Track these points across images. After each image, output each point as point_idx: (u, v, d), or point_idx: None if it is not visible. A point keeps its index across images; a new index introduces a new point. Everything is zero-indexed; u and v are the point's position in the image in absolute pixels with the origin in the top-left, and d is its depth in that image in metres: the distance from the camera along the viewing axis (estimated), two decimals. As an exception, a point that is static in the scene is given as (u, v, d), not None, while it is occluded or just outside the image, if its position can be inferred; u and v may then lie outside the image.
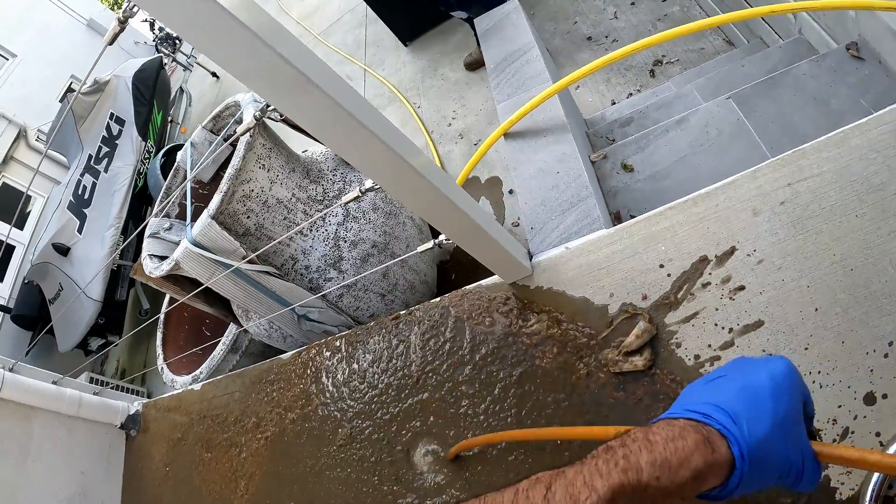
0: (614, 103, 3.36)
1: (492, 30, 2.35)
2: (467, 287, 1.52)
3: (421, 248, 1.40)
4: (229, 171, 1.93)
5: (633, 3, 3.85)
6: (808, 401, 0.73)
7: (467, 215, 1.09)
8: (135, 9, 0.78)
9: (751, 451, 0.64)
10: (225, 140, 2.38)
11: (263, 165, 2.04)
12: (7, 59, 9.17)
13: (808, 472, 0.67)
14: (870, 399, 1.00)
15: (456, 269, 3.19)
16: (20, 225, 7.10)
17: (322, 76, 0.78)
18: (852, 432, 1.00)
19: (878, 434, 0.98)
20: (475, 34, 4.15)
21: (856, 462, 0.66)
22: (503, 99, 2.04)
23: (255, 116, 1.74)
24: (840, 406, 1.01)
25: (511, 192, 3.43)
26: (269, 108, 1.82)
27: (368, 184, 1.23)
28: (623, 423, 1.20)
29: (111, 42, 0.93)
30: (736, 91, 1.94)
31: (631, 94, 3.36)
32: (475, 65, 4.42)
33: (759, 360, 0.75)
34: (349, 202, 1.37)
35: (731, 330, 1.13)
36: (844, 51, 1.92)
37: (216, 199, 1.91)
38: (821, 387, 1.03)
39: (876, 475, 0.92)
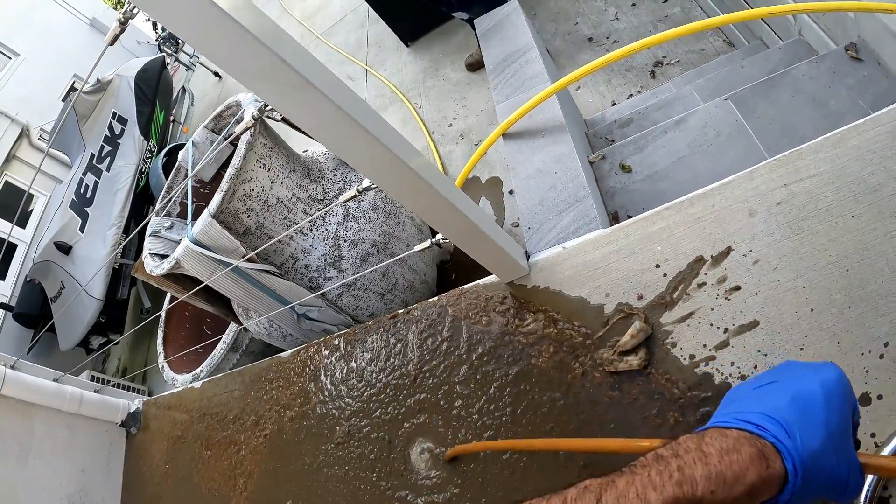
0: (615, 104, 3.37)
1: (492, 30, 2.36)
2: (465, 286, 1.53)
3: (418, 247, 1.41)
4: (230, 170, 1.93)
5: (634, 5, 3.85)
6: (855, 408, 0.72)
7: (464, 215, 1.09)
8: (135, 10, 0.79)
9: (804, 465, 0.62)
10: (226, 139, 2.38)
11: (264, 165, 2.04)
12: (10, 58, 9.18)
13: (852, 484, 0.66)
14: (865, 400, 1.00)
15: (456, 268, 3.20)
16: (22, 223, 7.11)
17: (321, 78, 0.79)
18: (847, 433, 1.00)
19: (873, 435, 0.98)
20: (476, 35, 4.16)
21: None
22: (502, 99, 2.05)
23: (253, 115, 1.75)
24: (835, 406, 1.01)
25: (511, 192, 3.44)
26: (269, 108, 1.82)
27: (366, 183, 1.24)
28: (618, 422, 1.20)
29: (112, 43, 0.94)
30: (734, 92, 1.94)
31: (631, 95, 3.36)
32: (476, 65, 4.43)
33: (810, 365, 0.73)
34: (347, 201, 1.38)
35: (726, 330, 1.14)
36: (843, 52, 1.93)
37: (217, 197, 1.92)
38: (816, 387, 1.03)
39: (871, 475, 0.93)
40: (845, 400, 0.68)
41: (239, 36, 0.69)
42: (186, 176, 2.44)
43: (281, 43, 0.73)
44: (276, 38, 0.73)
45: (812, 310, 1.07)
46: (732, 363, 1.11)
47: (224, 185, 1.92)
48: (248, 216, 2.03)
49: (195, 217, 2.00)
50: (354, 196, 1.28)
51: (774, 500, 0.63)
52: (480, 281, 1.50)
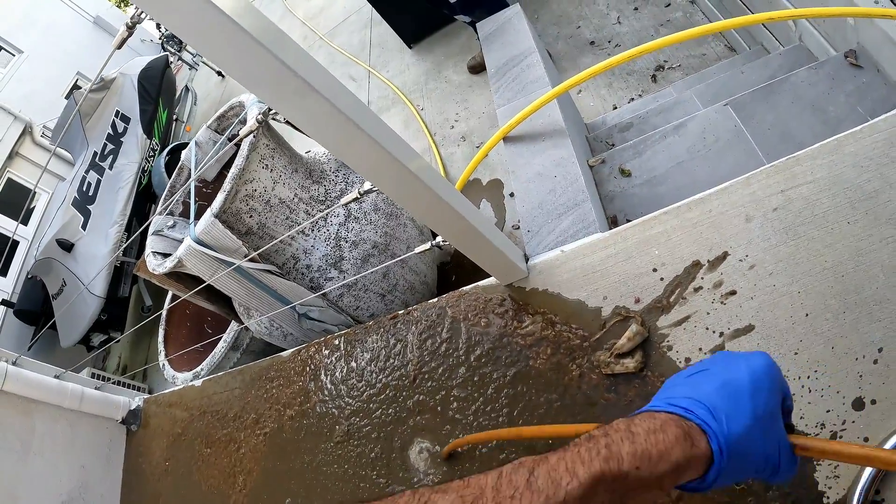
0: (616, 108, 3.38)
1: (494, 34, 2.37)
2: (464, 288, 1.54)
3: (418, 249, 1.42)
4: (233, 170, 1.95)
5: (636, 9, 3.86)
6: (787, 395, 0.76)
7: (463, 218, 1.11)
8: (143, 15, 0.80)
9: (729, 445, 0.66)
10: (229, 140, 2.40)
11: (267, 165, 2.06)
12: (13, 56, 9.21)
13: (784, 465, 0.70)
14: (858, 404, 1.01)
15: (456, 270, 3.21)
16: (24, 221, 7.13)
17: (321, 81, 0.80)
18: (840, 437, 1.01)
19: (866, 439, 0.99)
20: (478, 38, 4.17)
21: (828, 453, 0.69)
22: (503, 103, 2.06)
23: (257, 120, 1.76)
24: (829, 411, 1.02)
25: (512, 194, 3.44)
26: (272, 111, 1.84)
27: (367, 186, 1.25)
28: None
29: (119, 46, 0.95)
30: (734, 98, 1.95)
31: (633, 98, 3.37)
32: (478, 68, 4.44)
33: (741, 354, 0.77)
34: (348, 203, 1.39)
35: (721, 334, 1.15)
36: (843, 58, 1.94)
37: (220, 197, 1.93)
38: (810, 391, 1.04)
39: (863, 480, 0.94)
40: (773, 386, 0.72)
41: (240, 39, 0.70)
42: (189, 175, 2.45)
43: (282, 46, 0.74)
44: (278, 42, 0.74)
45: (807, 315, 1.08)
46: (727, 367, 1.13)
47: (227, 185, 1.94)
48: (251, 216, 2.04)
49: (198, 216, 2.02)
50: (356, 199, 1.30)
51: (702, 479, 0.67)
52: (480, 283, 1.52)
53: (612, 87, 3.54)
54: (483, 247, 1.23)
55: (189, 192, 2.30)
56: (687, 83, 2.93)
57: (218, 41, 0.71)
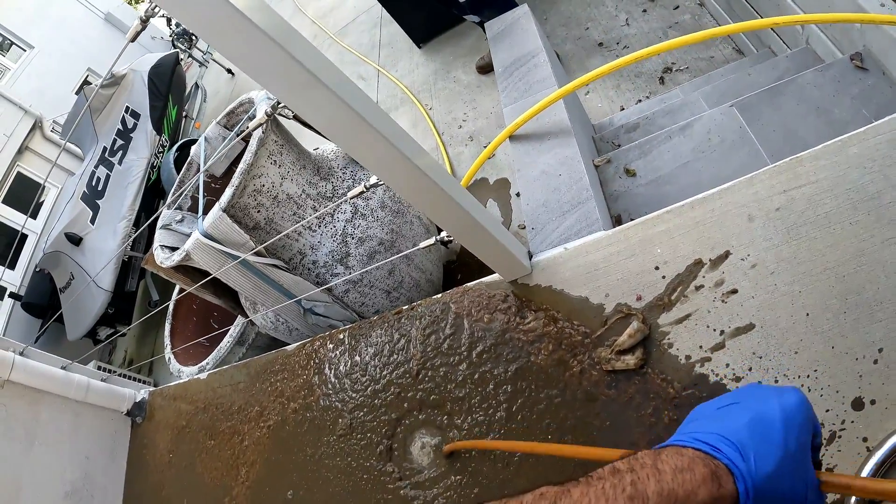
0: (623, 109, 3.38)
1: (501, 34, 2.38)
2: (468, 284, 1.55)
3: (423, 244, 1.43)
4: (241, 165, 1.96)
5: (644, 11, 3.86)
6: (817, 432, 0.74)
7: (468, 214, 1.12)
8: (157, 9, 0.81)
9: (756, 487, 0.65)
10: (238, 135, 2.41)
11: (275, 161, 2.07)
12: (24, 51, 9.26)
13: (811, 501, 0.68)
14: (858, 404, 1.01)
15: (462, 269, 3.22)
16: (34, 214, 7.16)
17: (332, 77, 0.82)
18: (839, 437, 1.01)
19: (864, 439, 1.00)
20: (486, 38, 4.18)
21: (857, 490, 0.67)
22: (510, 102, 2.07)
23: (266, 112, 1.77)
24: (828, 410, 1.03)
25: (518, 194, 3.45)
26: (281, 105, 1.85)
27: (373, 180, 1.26)
28: (613, 420, 1.23)
29: (133, 39, 0.97)
30: (739, 99, 1.96)
31: (640, 100, 3.37)
32: (487, 68, 4.45)
33: (772, 389, 0.76)
34: (356, 197, 1.41)
35: (722, 332, 1.16)
36: (848, 61, 1.94)
37: (228, 192, 1.95)
38: (809, 391, 1.05)
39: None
40: (805, 425, 0.70)
41: (252, 34, 0.72)
42: (198, 171, 2.47)
43: (291, 41, 0.76)
44: (289, 37, 0.75)
45: (808, 314, 1.09)
46: (727, 364, 1.13)
47: (235, 179, 1.95)
48: (258, 211, 2.06)
49: (206, 211, 2.03)
50: (362, 192, 1.31)
51: None
52: (483, 279, 1.53)
53: (620, 89, 3.54)
54: (487, 243, 1.24)
55: (198, 187, 2.32)
56: (694, 85, 2.94)
57: (229, 35, 0.72)
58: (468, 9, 3.76)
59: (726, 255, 1.19)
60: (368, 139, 0.90)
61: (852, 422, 1.01)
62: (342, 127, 0.88)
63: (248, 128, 2.26)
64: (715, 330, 1.17)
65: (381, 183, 1.13)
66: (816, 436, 0.74)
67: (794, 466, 0.67)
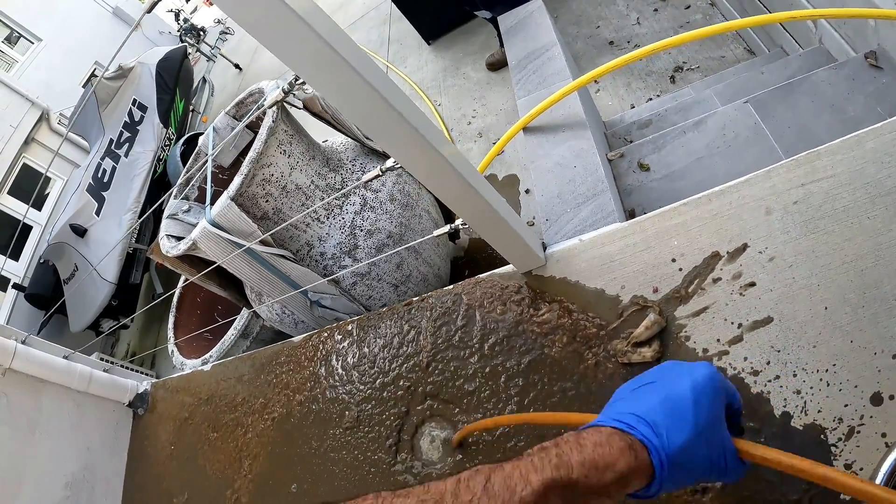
0: (633, 107, 3.38)
1: (515, 28, 2.37)
2: (481, 275, 1.53)
3: (437, 232, 1.41)
4: (251, 154, 1.95)
5: (655, 10, 3.86)
6: (733, 400, 0.83)
7: (487, 202, 1.10)
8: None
9: (670, 458, 0.71)
10: (248, 126, 2.41)
11: (284, 151, 2.06)
12: (32, 43, 9.30)
13: (731, 468, 0.76)
14: (877, 399, 1.00)
15: (469, 265, 3.21)
16: (38, 206, 7.18)
17: (358, 60, 0.81)
18: (858, 432, 1.00)
19: (883, 435, 0.98)
20: (498, 35, 4.18)
21: (770, 461, 0.74)
22: (524, 94, 2.06)
23: (283, 89, 1.76)
24: (846, 405, 1.01)
25: (527, 191, 3.45)
26: (296, 86, 1.84)
27: (389, 163, 1.25)
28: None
29: (149, 11, 0.96)
30: (754, 95, 1.95)
31: (650, 98, 3.37)
32: (497, 65, 4.45)
33: (685, 366, 0.83)
34: (370, 181, 1.40)
35: (739, 325, 1.14)
36: (863, 59, 1.93)
37: (236, 180, 1.94)
38: (828, 385, 1.03)
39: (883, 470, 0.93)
40: (715, 396, 0.78)
41: (278, 10, 0.71)
42: (206, 161, 2.46)
43: (320, 21, 0.75)
44: (315, 16, 0.74)
45: (826, 308, 1.07)
46: (745, 358, 1.12)
47: (244, 168, 1.94)
48: (267, 201, 2.05)
49: (213, 201, 2.02)
50: (378, 176, 1.30)
51: (647, 488, 0.73)
52: (496, 270, 1.51)
53: (631, 87, 3.53)
54: (503, 231, 1.23)
55: (205, 177, 2.31)
56: (706, 84, 2.93)
57: (256, 12, 0.71)
58: (480, 4, 3.76)
59: (744, 247, 1.18)
60: (393, 123, 0.89)
61: (871, 417, 0.99)
62: (367, 109, 0.87)
63: (259, 116, 2.27)
64: (733, 323, 1.15)
65: (398, 166, 1.11)
66: (733, 404, 0.83)
67: (707, 437, 0.74)
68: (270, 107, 1.91)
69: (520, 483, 0.66)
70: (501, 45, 4.35)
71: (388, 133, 0.93)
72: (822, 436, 1.01)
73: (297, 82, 1.76)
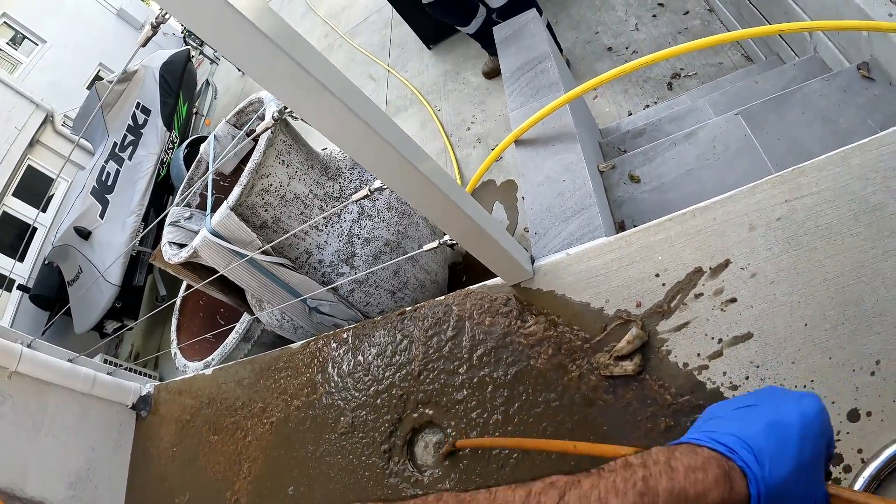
0: (631, 114, 3.39)
1: (510, 38, 2.39)
2: (471, 287, 1.56)
3: (427, 247, 1.45)
4: (249, 165, 1.98)
5: (654, 16, 3.86)
6: (830, 442, 0.74)
7: (471, 219, 1.13)
8: (167, 16, 0.83)
9: (769, 493, 0.64)
10: (248, 135, 2.43)
11: (283, 161, 2.09)
12: (37, 45, 9.32)
13: None
14: (854, 416, 1.02)
15: (467, 271, 3.22)
16: (43, 208, 7.21)
17: (335, 81, 0.83)
18: (834, 448, 1.02)
19: (860, 451, 1.00)
20: (483, 47, 4.20)
21: None
22: (517, 107, 2.08)
23: (273, 117, 1.79)
24: (824, 421, 1.04)
25: (525, 197, 3.46)
26: (288, 109, 1.86)
27: (377, 184, 1.27)
28: (610, 424, 1.23)
29: (144, 45, 0.99)
30: (745, 107, 1.96)
31: (648, 105, 3.38)
32: (492, 73, 4.46)
33: (792, 394, 0.76)
34: (361, 200, 1.42)
35: (720, 340, 1.16)
36: (855, 70, 1.94)
37: (236, 191, 1.97)
38: (806, 401, 1.05)
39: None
40: (821, 433, 0.70)
41: (257, 40, 0.73)
42: (207, 168, 2.49)
43: (297, 46, 0.77)
44: (293, 42, 0.76)
45: (806, 324, 1.09)
46: (724, 373, 1.14)
47: (244, 178, 1.97)
48: (266, 210, 2.08)
49: (214, 209, 2.05)
50: (367, 195, 1.33)
51: None
52: (486, 282, 1.54)
53: (629, 94, 3.54)
54: (490, 247, 1.26)
55: (206, 185, 2.34)
56: (702, 91, 2.94)
57: (235, 39, 0.74)
58: (455, 21, 3.82)
59: (726, 263, 1.20)
60: (371, 144, 0.92)
61: (847, 433, 1.01)
62: (346, 132, 0.90)
63: (256, 131, 2.29)
64: (713, 338, 1.17)
65: (385, 187, 1.13)
66: (830, 445, 0.74)
67: (808, 475, 0.67)
68: (263, 132, 1.94)
69: None
70: (490, 53, 4.37)
71: (369, 156, 0.96)
72: (831, 478, 1.01)
73: (287, 111, 1.78)
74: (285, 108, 1.80)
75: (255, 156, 1.99)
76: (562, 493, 0.62)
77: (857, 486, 0.95)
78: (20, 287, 6.24)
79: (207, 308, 4.08)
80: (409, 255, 1.47)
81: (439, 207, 1.10)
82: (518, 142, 1.93)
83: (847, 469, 1.00)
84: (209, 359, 3.33)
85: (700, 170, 1.90)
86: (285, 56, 0.75)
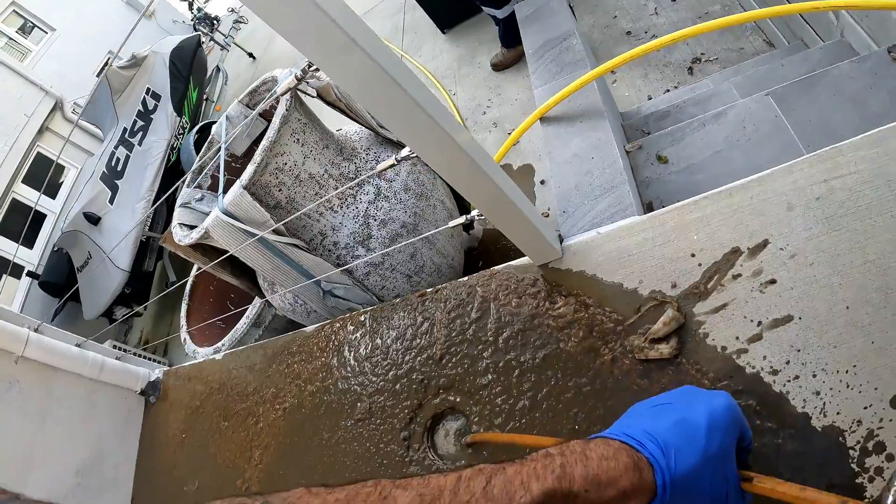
0: (650, 98, 3.34)
1: (532, 16, 2.35)
2: (496, 267, 1.52)
3: (453, 223, 1.40)
4: (264, 142, 1.94)
5: (673, 0, 3.82)
6: (744, 435, 0.84)
7: (504, 193, 1.09)
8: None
9: (674, 482, 0.72)
10: (261, 115, 2.39)
11: (298, 140, 2.05)
12: (46, 33, 9.34)
13: (732, 499, 0.77)
14: (896, 402, 0.98)
15: (483, 256, 3.20)
16: (52, 194, 7.23)
17: (367, 40, 0.79)
18: (876, 435, 0.97)
19: (903, 437, 0.96)
20: (502, 35, 4.15)
21: (775, 493, 0.76)
22: (541, 84, 2.04)
23: (296, 76, 1.74)
24: (866, 408, 0.99)
25: (542, 182, 3.43)
26: (309, 73, 1.81)
27: (404, 152, 1.23)
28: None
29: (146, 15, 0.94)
30: (774, 88, 1.92)
31: (668, 90, 3.33)
32: (501, 66, 4.41)
33: (704, 393, 0.85)
34: (385, 170, 1.38)
35: (759, 323, 1.12)
36: (886, 53, 1.89)
37: (249, 169, 1.93)
38: (848, 386, 1.01)
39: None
40: (729, 429, 0.79)
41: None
42: (219, 150, 2.45)
43: (334, 5, 0.73)
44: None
45: (847, 307, 1.05)
46: (765, 357, 1.10)
47: (257, 156, 1.93)
48: (280, 190, 2.04)
49: (226, 190, 2.01)
50: (392, 165, 1.28)
51: None
52: (512, 262, 1.49)
53: (648, 78, 3.50)
54: (520, 223, 1.22)
55: (218, 166, 2.30)
56: (724, 76, 2.89)
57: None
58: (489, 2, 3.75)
59: (765, 243, 1.16)
60: (408, 110, 0.88)
61: (891, 420, 0.97)
62: (381, 96, 0.86)
63: (273, 104, 2.25)
64: (752, 321, 1.13)
65: (413, 155, 1.09)
66: (744, 438, 0.84)
67: (714, 466, 0.75)
68: (283, 94, 1.89)
69: (520, 490, 0.67)
70: (504, 45, 4.31)
71: (402, 121, 0.92)
72: (840, 438, 0.99)
73: (311, 69, 1.73)
74: (306, 70, 1.74)
75: (270, 133, 1.94)
76: (488, 478, 0.68)
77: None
78: (29, 274, 6.26)
79: (218, 293, 4.07)
80: (429, 233, 1.42)
81: (472, 180, 1.05)
82: (543, 119, 1.89)
83: (890, 458, 0.95)
84: (219, 344, 3.31)
85: (729, 150, 1.86)
86: (317, 9, 0.71)
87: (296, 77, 1.75)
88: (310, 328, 1.96)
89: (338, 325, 1.86)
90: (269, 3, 0.71)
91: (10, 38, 8.98)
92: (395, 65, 0.83)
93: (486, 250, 3.21)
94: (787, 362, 1.07)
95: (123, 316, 5.53)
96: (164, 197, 1.91)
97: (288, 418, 1.87)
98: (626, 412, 0.89)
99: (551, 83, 1.99)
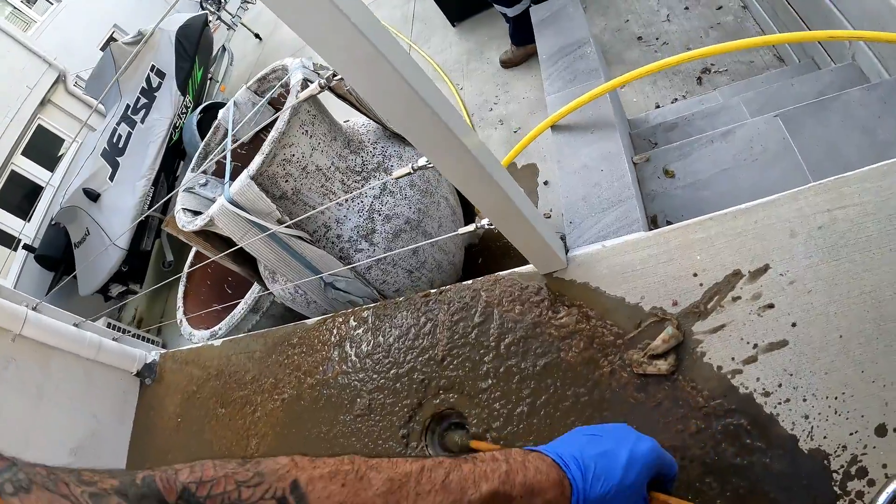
0: (658, 107, 3.36)
1: (547, 20, 2.36)
2: (501, 273, 1.53)
3: (462, 231, 1.41)
4: (273, 133, 1.95)
5: (686, 8, 3.82)
6: (664, 472, 0.94)
7: (512, 201, 1.10)
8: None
9: (587, 502, 0.83)
10: (270, 104, 2.40)
11: (307, 131, 2.06)
12: (51, 4, 9.28)
13: None
14: (881, 431, 1.00)
15: (483, 253, 3.20)
16: (51, 167, 7.20)
17: (391, 50, 0.80)
18: (860, 461, 1.00)
19: (884, 466, 0.99)
20: (512, 33, 4.14)
21: None
22: (554, 91, 2.05)
23: (320, 84, 1.75)
24: (851, 434, 1.02)
25: (546, 182, 3.44)
26: (337, 77, 1.82)
27: (422, 161, 1.24)
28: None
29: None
30: (784, 110, 1.93)
31: (676, 99, 3.35)
32: (510, 63, 4.40)
33: (633, 435, 0.94)
34: (400, 178, 1.40)
35: (755, 346, 1.14)
36: (896, 83, 1.91)
37: (257, 159, 1.94)
38: (836, 413, 1.03)
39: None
40: (644, 469, 0.88)
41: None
42: (225, 135, 2.46)
43: (355, 11, 0.74)
44: (351, 6, 0.73)
45: (841, 336, 1.07)
46: (758, 379, 1.12)
47: (266, 147, 1.94)
48: (286, 181, 2.05)
49: (232, 177, 2.02)
50: (409, 174, 1.29)
51: None
52: (517, 269, 1.51)
53: (657, 85, 3.51)
54: (527, 233, 1.23)
55: (224, 152, 2.31)
56: (734, 89, 2.90)
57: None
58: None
59: (765, 268, 1.18)
60: (423, 117, 0.89)
61: (874, 447, 1.00)
62: (395, 106, 0.87)
63: (281, 97, 2.26)
64: (748, 343, 1.15)
65: (430, 165, 1.10)
66: (668, 474, 0.96)
67: (627, 496, 0.86)
68: (305, 100, 1.91)
69: (471, 487, 0.76)
70: (514, 42, 4.31)
71: (424, 134, 0.93)
72: (825, 461, 1.02)
73: (336, 78, 1.75)
74: (333, 76, 1.75)
75: (279, 124, 1.95)
76: (448, 472, 0.77)
77: (881, 500, 0.95)
78: (26, 247, 6.24)
79: (215, 276, 4.07)
80: (439, 239, 1.44)
81: (480, 186, 1.07)
82: (554, 127, 1.90)
83: (871, 483, 0.98)
84: (216, 328, 3.32)
85: (736, 169, 1.88)
86: (342, 17, 0.72)
87: (319, 85, 1.77)
88: (311, 320, 1.97)
89: (340, 319, 1.87)
90: (297, 11, 0.72)
91: (15, 8, 8.93)
92: (420, 80, 0.84)
93: (486, 247, 3.22)
94: (780, 385, 1.10)
95: (119, 294, 5.53)
96: (173, 193, 1.91)
97: (286, 409, 1.89)
98: (565, 435, 0.98)
99: (564, 91, 2.00)
